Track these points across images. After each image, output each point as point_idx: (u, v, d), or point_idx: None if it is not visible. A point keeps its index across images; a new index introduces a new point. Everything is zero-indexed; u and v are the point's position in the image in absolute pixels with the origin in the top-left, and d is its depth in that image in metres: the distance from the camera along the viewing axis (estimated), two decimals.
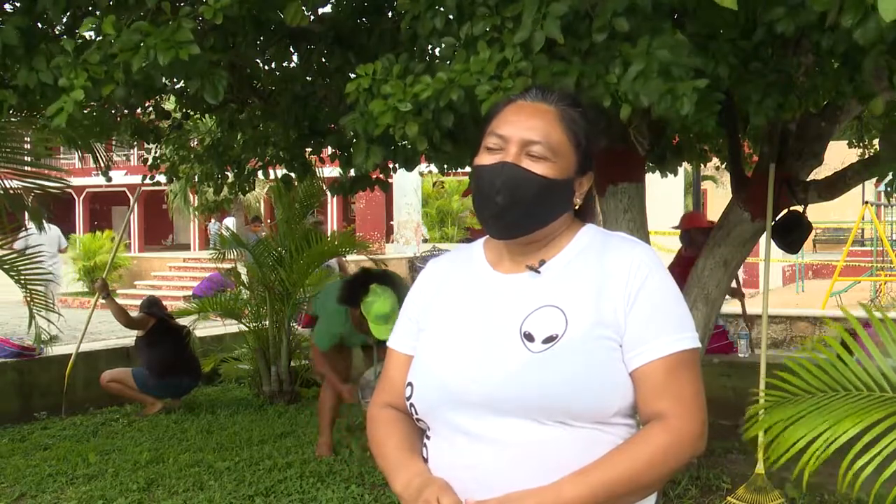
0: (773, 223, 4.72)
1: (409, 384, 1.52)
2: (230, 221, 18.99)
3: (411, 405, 1.51)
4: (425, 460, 1.50)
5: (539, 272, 1.49)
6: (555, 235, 1.52)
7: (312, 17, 4.38)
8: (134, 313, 6.64)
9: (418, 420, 1.52)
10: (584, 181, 1.54)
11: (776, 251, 8.16)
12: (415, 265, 17.54)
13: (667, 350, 1.42)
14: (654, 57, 2.89)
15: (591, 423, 1.40)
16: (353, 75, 4.53)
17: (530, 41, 2.93)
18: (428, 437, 1.51)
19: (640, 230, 4.62)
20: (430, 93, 3.13)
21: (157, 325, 6.57)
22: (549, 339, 1.41)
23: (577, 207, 1.56)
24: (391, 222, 22.49)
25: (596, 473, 1.36)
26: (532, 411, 1.38)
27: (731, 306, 7.44)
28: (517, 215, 1.47)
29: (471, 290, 1.54)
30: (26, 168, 5.53)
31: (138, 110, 5.79)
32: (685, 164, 8.45)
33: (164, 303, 7.24)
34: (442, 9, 3.26)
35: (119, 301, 6.78)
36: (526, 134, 1.47)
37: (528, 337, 1.42)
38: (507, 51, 3.05)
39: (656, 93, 2.87)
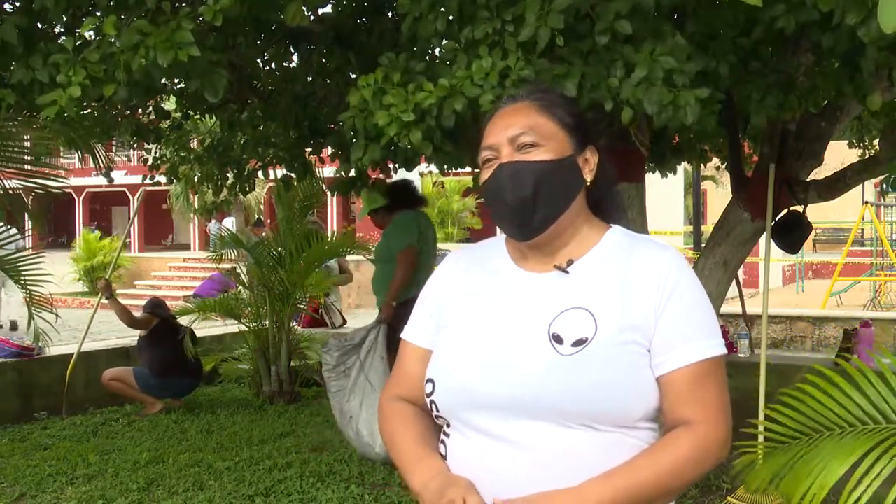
0: (773, 223, 4.71)
1: (430, 381, 1.50)
2: (229, 222, 18.98)
3: (432, 402, 1.49)
4: (443, 457, 1.48)
5: (567, 272, 1.48)
6: (577, 230, 1.51)
7: (312, 17, 4.39)
8: (136, 314, 6.65)
9: (437, 417, 1.50)
10: (589, 156, 1.53)
11: (776, 251, 8.16)
12: None
13: (695, 357, 1.41)
14: (658, 63, 2.90)
15: (616, 426, 1.39)
16: (353, 76, 4.54)
17: (535, 38, 2.93)
18: (447, 435, 1.49)
19: (640, 230, 4.59)
20: (434, 100, 3.13)
21: (160, 324, 6.58)
22: (579, 342, 1.39)
23: (598, 204, 1.55)
24: None
25: (621, 477, 1.35)
26: (558, 415, 1.37)
27: (730, 306, 7.44)
28: (531, 209, 1.46)
29: (495, 287, 1.52)
30: (26, 168, 5.53)
31: (139, 110, 5.79)
32: (685, 164, 8.45)
33: (166, 304, 7.24)
34: (443, 9, 3.26)
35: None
36: (509, 132, 1.48)
37: (557, 339, 1.41)
38: (509, 58, 3.05)
39: (658, 102, 2.89)
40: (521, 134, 1.47)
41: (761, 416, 2.92)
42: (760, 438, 2.79)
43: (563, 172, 1.48)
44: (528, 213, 1.46)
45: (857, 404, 2.56)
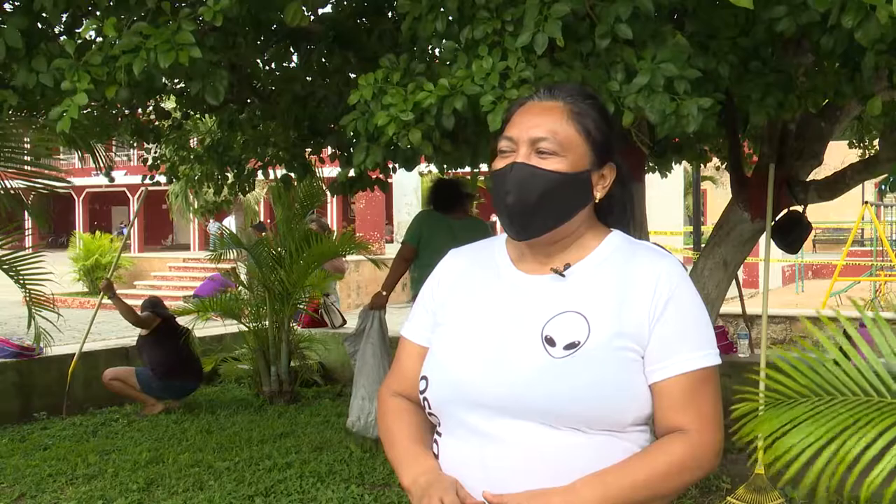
0: (772, 223, 4.72)
1: (424, 378, 1.50)
2: (229, 222, 18.95)
3: (425, 399, 1.50)
4: (436, 455, 1.49)
5: (564, 276, 1.48)
6: (578, 237, 1.50)
7: (312, 18, 4.39)
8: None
9: (430, 414, 1.51)
10: (606, 173, 1.51)
11: (776, 251, 8.16)
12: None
13: (690, 366, 1.42)
14: (660, 70, 2.90)
15: (607, 429, 1.39)
16: (353, 76, 4.54)
17: (533, 44, 2.93)
18: (439, 434, 1.50)
19: (640, 230, 4.62)
20: (433, 100, 3.13)
21: (162, 324, 6.57)
22: (571, 346, 1.40)
23: (610, 211, 1.54)
24: (388, 225, 22.49)
25: (613, 477, 1.36)
26: (547, 416, 1.38)
27: (730, 306, 7.44)
28: (531, 213, 1.45)
29: (492, 287, 1.53)
30: (26, 168, 5.52)
31: (139, 110, 5.80)
32: (685, 164, 8.47)
33: (164, 303, 7.24)
34: (443, 10, 3.26)
35: None
36: (532, 132, 1.46)
37: (550, 341, 1.41)
38: (510, 59, 3.05)
39: (661, 112, 2.88)
40: (543, 139, 1.45)
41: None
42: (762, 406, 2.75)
43: (572, 187, 1.46)
44: (526, 217, 1.46)
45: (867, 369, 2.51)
